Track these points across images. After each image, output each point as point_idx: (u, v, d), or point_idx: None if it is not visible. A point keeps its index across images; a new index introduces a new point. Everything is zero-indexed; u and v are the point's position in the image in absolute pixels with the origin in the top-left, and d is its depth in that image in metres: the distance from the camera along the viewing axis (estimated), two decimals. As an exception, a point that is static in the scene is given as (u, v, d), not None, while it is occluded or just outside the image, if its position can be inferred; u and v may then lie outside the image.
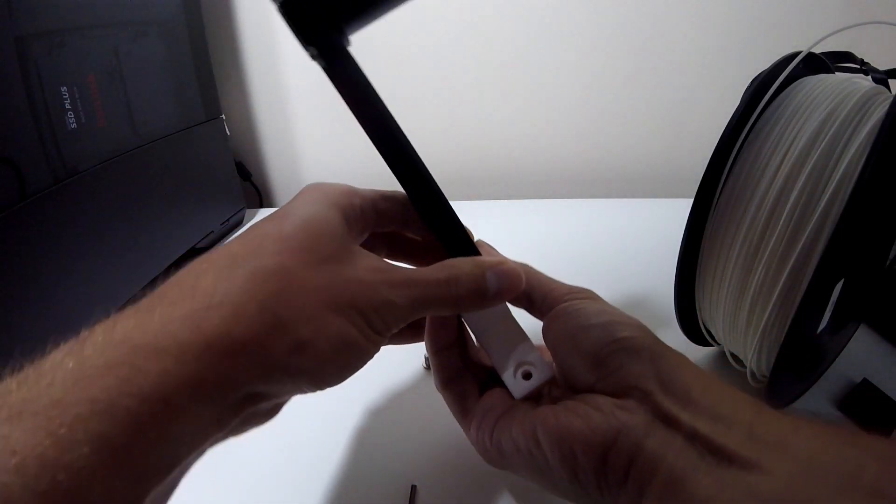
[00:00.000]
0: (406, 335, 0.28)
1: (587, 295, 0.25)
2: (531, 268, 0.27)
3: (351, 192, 0.24)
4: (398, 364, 0.38)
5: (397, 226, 0.26)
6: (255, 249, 0.20)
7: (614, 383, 0.21)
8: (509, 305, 0.27)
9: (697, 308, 0.32)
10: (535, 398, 0.25)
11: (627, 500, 0.19)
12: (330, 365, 0.20)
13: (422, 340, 0.28)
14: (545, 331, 0.25)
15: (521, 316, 0.27)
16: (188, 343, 0.17)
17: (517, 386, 0.25)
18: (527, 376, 0.25)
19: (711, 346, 0.34)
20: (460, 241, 0.25)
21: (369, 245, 0.26)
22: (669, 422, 0.19)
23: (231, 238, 0.23)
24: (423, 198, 0.25)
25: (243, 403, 0.18)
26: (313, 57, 0.23)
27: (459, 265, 0.23)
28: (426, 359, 0.36)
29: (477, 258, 0.24)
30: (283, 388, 0.19)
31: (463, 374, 0.26)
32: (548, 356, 0.26)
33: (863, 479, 0.16)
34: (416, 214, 0.26)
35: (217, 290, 0.18)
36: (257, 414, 0.21)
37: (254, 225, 0.22)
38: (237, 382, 0.17)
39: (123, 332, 0.17)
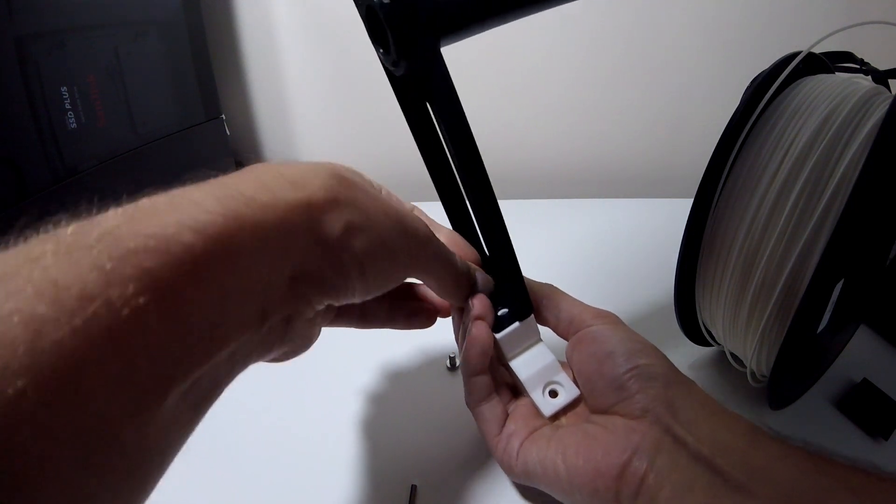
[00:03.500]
0: (393, 318, 0.29)
1: (612, 320, 0.28)
2: (557, 289, 0.30)
3: None
4: (397, 364, 0.38)
5: None
6: (307, 162, 0.21)
7: (632, 406, 0.24)
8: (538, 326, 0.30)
9: (697, 308, 0.32)
10: (555, 416, 0.27)
11: None
12: (378, 259, 0.21)
13: (405, 328, 0.29)
14: (570, 351, 0.28)
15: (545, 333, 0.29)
16: (254, 196, 0.17)
17: (546, 405, 0.27)
18: (553, 395, 0.28)
19: (711, 346, 0.34)
20: (516, 274, 0.27)
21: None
22: (677, 442, 0.22)
23: None
24: (486, 211, 0.26)
25: (290, 291, 0.18)
26: (394, 64, 0.22)
27: (454, 253, 0.26)
28: (450, 359, 0.37)
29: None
30: (331, 270, 0.19)
31: (494, 396, 0.28)
32: (570, 374, 0.28)
33: None
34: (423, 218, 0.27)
35: (284, 173, 0.19)
36: (297, 321, 0.20)
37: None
38: (293, 240, 0.18)
39: (184, 191, 0.17)
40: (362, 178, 0.23)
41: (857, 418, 0.31)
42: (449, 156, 0.26)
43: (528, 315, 0.28)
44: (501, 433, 0.27)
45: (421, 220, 0.23)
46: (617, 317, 0.28)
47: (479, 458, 0.31)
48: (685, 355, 0.36)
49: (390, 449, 0.32)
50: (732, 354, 0.32)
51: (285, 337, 0.20)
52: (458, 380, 0.37)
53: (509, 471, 0.27)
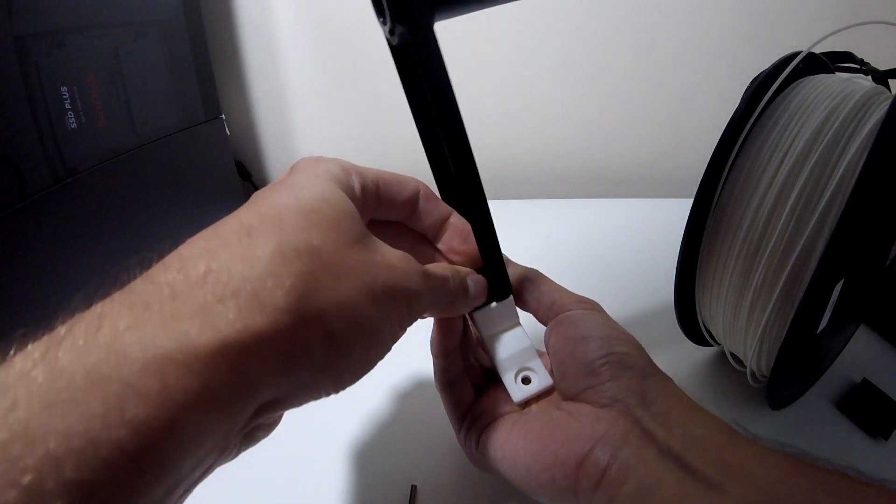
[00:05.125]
0: None
1: (592, 306, 0.26)
2: (541, 274, 0.29)
3: (349, 171, 0.22)
4: (398, 364, 0.38)
5: (400, 216, 0.25)
6: (276, 222, 0.17)
7: (601, 393, 0.23)
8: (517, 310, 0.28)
9: (697, 308, 0.32)
10: (525, 405, 0.26)
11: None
12: (357, 361, 0.18)
13: None
14: (547, 335, 0.27)
15: (526, 319, 0.28)
16: (198, 346, 0.14)
17: (517, 390, 0.26)
18: (526, 381, 0.27)
19: (711, 346, 0.34)
20: (496, 253, 0.26)
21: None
22: (646, 436, 0.21)
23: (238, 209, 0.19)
24: (468, 184, 0.24)
25: (253, 417, 0.16)
26: (391, 33, 0.23)
27: (446, 268, 0.23)
28: None
29: (448, 265, 0.24)
30: (302, 391, 0.17)
31: (463, 378, 0.27)
32: (548, 363, 0.27)
33: None
34: (427, 204, 0.25)
35: (233, 275, 0.15)
36: (260, 429, 0.18)
37: (262, 193, 0.19)
38: (254, 388, 0.15)
39: (113, 333, 0.14)
40: (339, 220, 0.18)
41: (857, 418, 0.31)
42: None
43: (507, 296, 0.27)
44: (466, 417, 0.26)
45: (412, 272, 0.20)
46: (598, 304, 0.27)
47: (479, 458, 0.31)
48: (685, 355, 0.36)
49: (390, 449, 0.32)
50: (732, 354, 0.32)
51: (246, 445, 0.18)
52: (458, 380, 0.37)
53: (469, 455, 0.26)
